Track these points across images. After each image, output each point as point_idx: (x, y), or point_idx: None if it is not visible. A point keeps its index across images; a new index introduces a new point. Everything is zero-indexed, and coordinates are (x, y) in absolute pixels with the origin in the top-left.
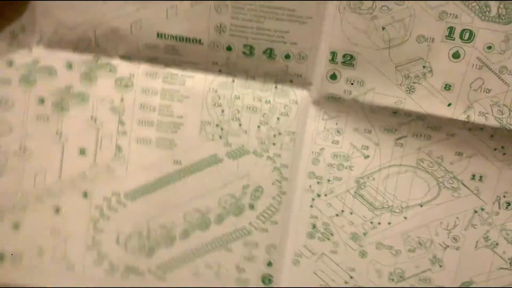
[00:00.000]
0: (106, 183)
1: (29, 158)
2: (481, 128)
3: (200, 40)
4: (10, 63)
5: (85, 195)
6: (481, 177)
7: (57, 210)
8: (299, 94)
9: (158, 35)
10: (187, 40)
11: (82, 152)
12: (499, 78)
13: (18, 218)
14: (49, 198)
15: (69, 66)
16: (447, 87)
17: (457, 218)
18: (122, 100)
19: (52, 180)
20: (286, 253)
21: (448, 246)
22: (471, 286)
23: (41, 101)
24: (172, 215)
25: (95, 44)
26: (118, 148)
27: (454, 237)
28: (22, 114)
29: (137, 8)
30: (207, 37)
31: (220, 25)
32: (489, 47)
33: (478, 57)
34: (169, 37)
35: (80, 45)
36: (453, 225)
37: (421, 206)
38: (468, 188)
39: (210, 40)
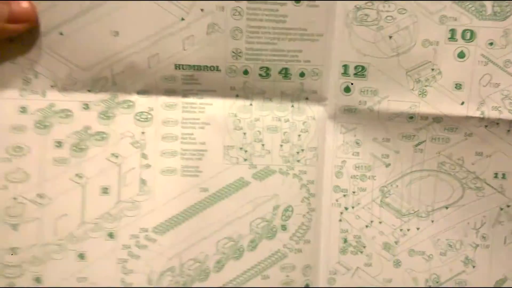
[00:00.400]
0: (133, 220)
1: (48, 205)
2: (497, 123)
3: (217, 67)
4: (24, 110)
5: (111, 235)
6: (503, 174)
7: (82, 256)
8: (315, 110)
9: (176, 66)
10: (205, 68)
11: (105, 191)
12: (505, 71)
13: (40, 270)
14: (72, 245)
15: (86, 106)
16: (458, 86)
17: (483, 216)
18: (143, 133)
19: (74, 225)
20: (320, 272)
21: (478, 245)
22: (505, 285)
23: (59, 144)
24: (204, 246)
25: (112, 83)
26: (143, 182)
27: (482, 236)
28: (39, 159)
29: (153, 42)
30: (224, 63)
31: (236, 50)
32: (491, 43)
33: (482, 54)
34: (187, 67)
35: (96, 85)
36: (480, 224)
37: (447, 208)
38: (492, 186)
39: (227, 66)
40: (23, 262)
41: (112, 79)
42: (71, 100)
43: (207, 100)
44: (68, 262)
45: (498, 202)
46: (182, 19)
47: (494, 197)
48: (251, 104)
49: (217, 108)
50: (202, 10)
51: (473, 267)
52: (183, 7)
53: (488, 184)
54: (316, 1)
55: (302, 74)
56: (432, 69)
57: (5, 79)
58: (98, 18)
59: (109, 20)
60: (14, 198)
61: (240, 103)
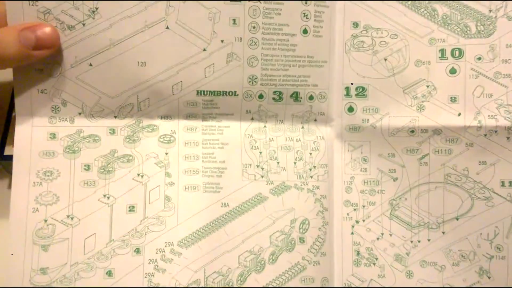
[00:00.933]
0: (158, 235)
1: (77, 225)
2: (495, 131)
3: (235, 92)
4: (53, 136)
5: (137, 251)
6: (510, 182)
7: (110, 273)
8: (323, 131)
9: (197, 92)
10: (224, 93)
11: (132, 209)
12: (496, 82)
13: None
14: (100, 263)
15: (112, 131)
16: (453, 99)
17: (496, 227)
18: (166, 154)
19: (102, 243)
20: (335, 284)
21: (493, 257)
22: None
23: (87, 167)
24: (227, 259)
25: (137, 109)
26: (167, 199)
27: (497, 247)
28: (68, 182)
29: (177, 71)
30: (242, 88)
31: (253, 77)
32: (479, 58)
33: (472, 68)
34: (208, 93)
35: (122, 111)
36: (493, 234)
37: (457, 219)
38: (500, 195)
39: (244, 91)
40: (52, 281)
41: (138, 106)
42: (98, 126)
43: (224, 123)
44: (96, 280)
45: (509, 211)
46: (204, 49)
47: (504, 207)
48: (265, 126)
49: (234, 130)
50: (222, 41)
51: (489, 278)
52: (205, 39)
53: (496, 193)
54: (320, 32)
55: (311, 97)
56: (427, 86)
57: (35, 108)
58: (126, 50)
59: (137, 52)
60: (45, 220)
61: (255, 125)
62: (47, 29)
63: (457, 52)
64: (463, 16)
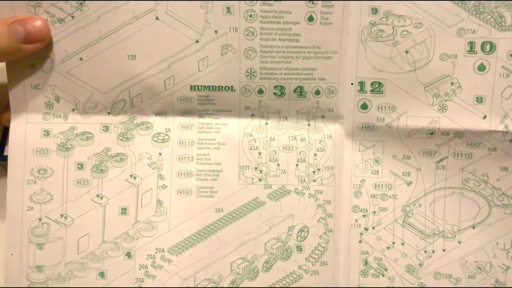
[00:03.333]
0: (149, 240)
1: (71, 224)
2: None
3: (232, 87)
4: (47, 133)
5: (128, 255)
6: None
7: (102, 275)
8: (332, 129)
9: (191, 87)
10: (220, 88)
11: (124, 211)
12: None
13: None
14: (93, 263)
15: (106, 128)
16: (479, 99)
17: None
18: (160, 154)
19: (95, 244)
20: None
21: (509, 268)
22: None
23: (80, 166)
24: (219, 267)
25: (130, 105)
26: (159, 203)
27: None
28: (62, 181)
29: (168, 64)
30: (239, 83)
31: (251, 70)
32: None
33: (504, 66)
34: (202, 88)
35: (115, 107)
36: (510, 244)
37: (474, 228)
38: None
39: (242, 86)
40: (48, 279)
41: (130, 102)
42: (92, 123)
43: (222, 120)
44: (89, 280)
45: None
46: (197, 41)
47: None
48: (266, 123)
49: (233, 127)
50: (216, 31)
51: None
52: (197, 30)
53: None
54: (329, 19)
55: (317, 92)
56: (452, 83)
57: (28, 104)
58: (115, 43)
59: (126, 45)
60: (39, 219)
61: (255, 122)
62: (37, 23)
63: (488, 46)
64: (498, 4)
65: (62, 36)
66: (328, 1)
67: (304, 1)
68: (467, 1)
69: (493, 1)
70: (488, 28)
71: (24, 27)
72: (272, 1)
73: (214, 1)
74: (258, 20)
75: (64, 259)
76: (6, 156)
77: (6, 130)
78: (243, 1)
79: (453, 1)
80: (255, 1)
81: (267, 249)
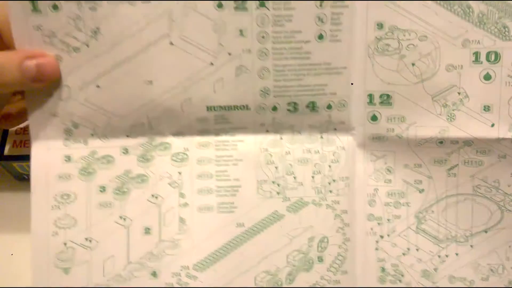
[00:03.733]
0: (174, 259)
1: (96, 248)
2: None
3: (247, 106)
4: (69, 158)
5: (154, 274)
6: None
7: None
8: (344, 140)
9: (207, 108)
10: (235, 108)
11: (147, 231)
12: None
13: None
14: (119, 285)
15: (125, 151)
16: (486, 108)
17: None
18: (179, 173)
19: (121, 265)
20: None
21: None
22: None
23: (102, 189)
24: (243, 281)
25: (149, 127)
26: (182, 221)
27: None
28: (85, 205)
29: (185, 87)
30: (253, 102)
31: (264, 89)
32: None
33: (509, 75)
34: (218, 108)
35: (134, 130)
36: None
37: (486, 232)
38: None
39: (257, 104)
40: None
41: (149, 124)
42: (111, 146)
43: (238, 137)
44: None
45: None
46: (211, 63)
47: None
48: (281, 138)
49: (249, 144)
50: (229, 54)
51: None
52: (211, 53)
53: None
54: (338, 36)
55: (329, 106)
56: (459, 93)
57: (48, 131)
58: (132, 70)
59: (143, 71)
60: (64, 243)
61: (270, 137)
62: (49, 63)
63: (492, 56)
64: (502, 15)
65: (78, 64)
66: (336, 18)
67: (314, 20)
68: (471, 13)
69: (497, 12)
70: (492, 39)
71: (37, 67)
72: (283, 22)
73: (227, 24)
74: (270, 40)
75: (90, 283)
76: (6, 156)
77: (5, 130)
78: (256, 24)
79: (456, 14)
80: (267, 23)
81: (289, 261)
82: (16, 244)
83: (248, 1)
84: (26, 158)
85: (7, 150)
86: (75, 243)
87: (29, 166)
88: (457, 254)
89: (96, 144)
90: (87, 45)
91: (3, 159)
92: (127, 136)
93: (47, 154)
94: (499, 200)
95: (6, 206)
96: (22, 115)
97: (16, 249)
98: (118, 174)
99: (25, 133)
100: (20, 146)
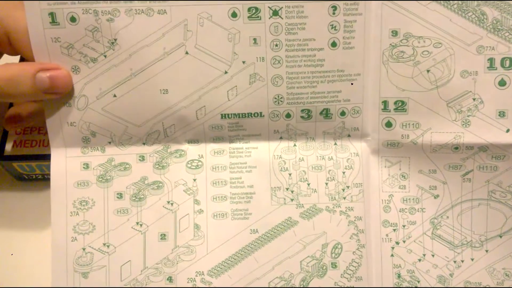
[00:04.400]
0: (189, 264)
1: (113, 252)
2: None
3: (261, 113)
4: (87, 166)
5: (170, 279)
6: None
7: None
8: (358, 147)
9: (222, 116)
10: (249, 115)
11: (163, 237)
12: None
13: None
14: None
15: (142, 158)
16: (501, 114)
17: None
18: (194, 180)
19: (137, 270)
20: None
21: None
22: None
23: (120, 196)
24: (257, 287)
25: (164, 135)
26: (197, 227)
27: None
28: (103, 211)
29: (199, 96)
30: (267, 109)
31: (278, 96)
32: None
33: None
34: (232, 116)
35: (150, 138)
36: None
37: (501, 237)
38: None
39: (270, 111)
40: None
41: (164, 132)
42: (128, 154)
43: (252, 144)
44: None
45: None
46: (226, 72)
47: None
48: (295, 145)
49: (263, 151)
50: (243, 62)
51: None
52: (226, 61)
53: None
54: (352, 43)
55: (343, 113)
56: (474, 99)
57: (66, 140)
58: (148, 79)
59: (158, 80)
60: (83, 249)
61: (284, 144)
62: (62, 75)
63: (507, 62)
64: None
65: (96, 74)
66: (349, 25)
67: (327, 28)
68: (485, 19)
69: (511, 19)
70: (507, 45)
71: (50, 79)
72: (296, 30)
73: (241, 33)
74: (284, 48)
75: (108, 287)
76: (6, 156)
77: (5, 130)
78: (269, 33)
79: (470, 21)
80: (280, 32)
81: (303, 267)
82: (16, 244)
83: (261, 10)
84: (26, 158)
85: (7, 150)
86: (94, 248)
87: (29, 166)
88: (472, 259)
89: (113, 151)
90: (105, 56)
91: (3, 159)
92: (143, 143)
93: (65, 162)
94: None
95: (6, 206)
96: (29, 117)
97: (16, 249)
98: (134, 181)
99: (25, 133)
100: (20, 146)
